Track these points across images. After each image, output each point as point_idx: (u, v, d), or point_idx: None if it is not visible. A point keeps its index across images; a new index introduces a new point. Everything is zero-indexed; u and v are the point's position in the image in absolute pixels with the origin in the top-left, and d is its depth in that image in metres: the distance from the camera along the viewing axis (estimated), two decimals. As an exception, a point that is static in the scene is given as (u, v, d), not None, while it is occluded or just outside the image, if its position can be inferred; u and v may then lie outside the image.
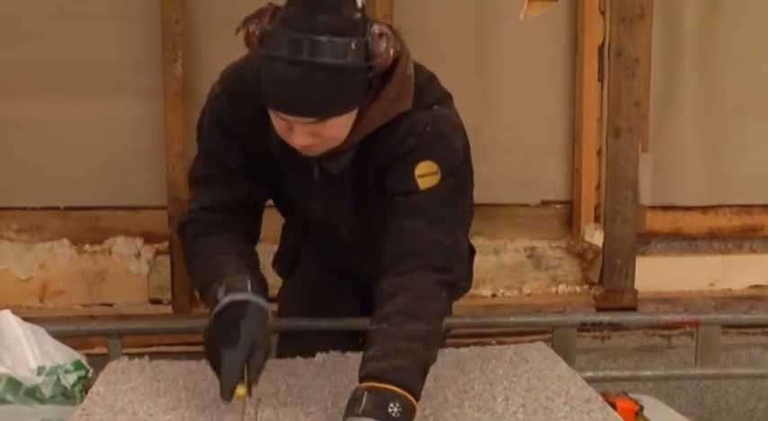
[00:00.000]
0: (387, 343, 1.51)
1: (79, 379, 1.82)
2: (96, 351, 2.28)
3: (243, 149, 1.75)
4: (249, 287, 1.60)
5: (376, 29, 1.55)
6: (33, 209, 2.67)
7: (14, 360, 1.77)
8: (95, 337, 2.33)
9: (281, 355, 1.95)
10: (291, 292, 2.17)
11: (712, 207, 2.96)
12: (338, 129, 1.60)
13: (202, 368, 1.77)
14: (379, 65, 1.56)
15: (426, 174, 1.65)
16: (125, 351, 2.06)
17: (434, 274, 1.61)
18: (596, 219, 2.85)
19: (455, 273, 1.68)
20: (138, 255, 2.70)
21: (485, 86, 2.76)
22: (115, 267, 2.70)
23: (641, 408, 1.94)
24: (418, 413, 1.48)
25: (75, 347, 1.91)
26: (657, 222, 2.92)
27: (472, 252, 2.04)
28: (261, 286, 1.65)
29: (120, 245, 2.69)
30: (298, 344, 1.99)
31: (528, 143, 2.82)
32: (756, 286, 2.99)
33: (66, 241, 2.67)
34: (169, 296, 2.70)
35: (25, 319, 1.88)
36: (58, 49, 2.59)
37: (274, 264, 2.16)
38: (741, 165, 2.92)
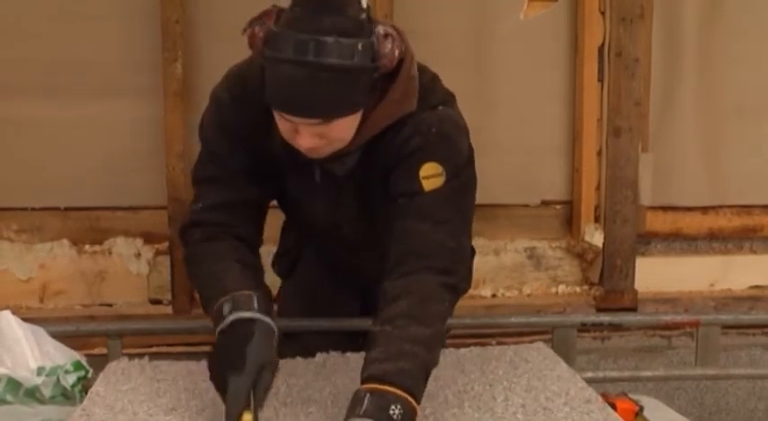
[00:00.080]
0: (390, 345, 1.51)
1: (79, 379, 1.82)
2: (96, 351, 2.28)
3: (247, 151, 1.74)
4: (256, 305, 1.58)
5: (381, 29, 1.55)
6: (33, 209, 2.67)
7: (14, 360, 1.77)
8: (95, 338, 2.33)
9: (281, 355, 1.93)
10: (291, 293, 2.17)
11: (712, 207, 2.96)
12: (344, 130, 1.60)
13: (202, 368, 1.76)
14: (384, 66, 1.56)
15: (431, 175, 1.65)
16: (125, 351, 2.06)
17: (438, 277, 1.61)
18: (596, 220, 2.85)
19: (458, 275, 1.68)
20: (138, 255, 2.70)
21: (485, 86, 2.76)
22: (115, 267, 2.70)
23: (641, 409, 1.94)
24: (418, 413, 1.48)
25: (75, 348, 1.91)
26: (657, 223, 2.92)
27: (472, 252, 2.04)
28: (266, 302, 1.63)
29: (120, 245, 2.69)
30: (298, 345, 1.99)
31: (528, 143, 2.82)
32: (756, 286, 2.99)
33: (66, 241, 2.67)
34: (169, 296, 2.70)
35: (25, 320, 1.88)
36: (57, 49, 2.59)
37: (274, 264, 2.16)
38: (741, 166, 2.92)
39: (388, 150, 1.68)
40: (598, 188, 2.84)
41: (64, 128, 2.62)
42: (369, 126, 1.64)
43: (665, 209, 2.93)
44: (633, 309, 2.84)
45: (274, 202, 1.93)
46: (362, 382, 1.47)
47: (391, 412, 1.42)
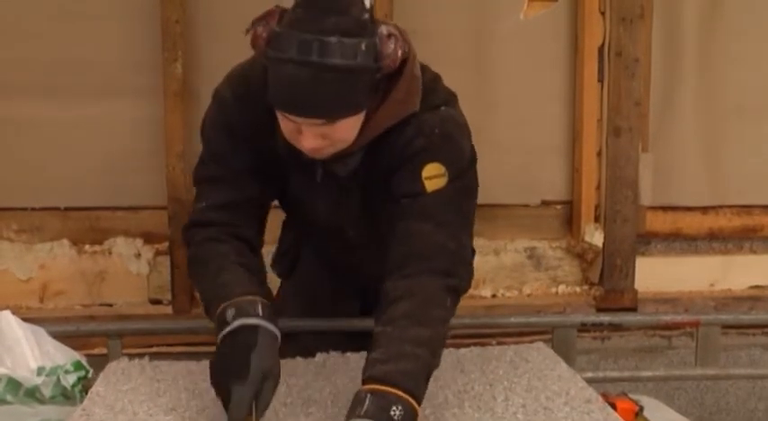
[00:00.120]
0: (391, 346, 1.51)
1: (79, 379, 1.82)
2: (96, 351, 2.28)
3: (249, 151, 1.74)
4: (260, 311, 1.58)
5: (384, 29, 1.55)
6: (33, 209, 2.67)
7: (14, 360, 1.77)
8: (95, 338, 2.33)
9: (281, 355, 1.95)
10: (291, 293, 2.16)
11: (712, 207, 2.95)
12: (347, 130, 1.59)
13: (202, 368, 1.76)
14: (387, 66, 1.55)
15: (434, 176, 1.65)
16: (125, 351, 2.06)
17: (440, 279, 1.61)
18: (596, 220, 2.85)
19: (460, 277, 1.68)
20: (138, 255, 2.70)
21: (485, 86, 2.76)
22: (115, 267, 2.70)
23: (641, 409, 1.94)
24: (419, 414, 1.48)
25: (75, 348, 1.91)
26: (657, 222, 2.92)
27: (472, 253, 2.04)
28: (270, 307, 1.62)
29: (120, 245, 2.69)
30: (297, 345, 1.98)
31: (528, 143, 2.82)
32: (756, 286, 2.98)
33: (66, 241, 2.67)
34: (169, 296, 2.70)
35: (25, 320, 1.88)
36: (58, 50, 2.59)
37: (274, 264, 2.16)
38: (741, 166, 2.92)
39: (391, 151, 1.67)
40: (598, 188, 2.84)
41: (64, 128, 2.62)
42: (371, 126, 1.64)
43: (665, 209, 2.93)
44: (633, 309, 2.84)
45: (275, 202, 1.93)
46: (363, 383, 1.47)
47: (392, 413, 1.42)
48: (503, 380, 1.78)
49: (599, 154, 2.82)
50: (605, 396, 1.80)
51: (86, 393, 1.74)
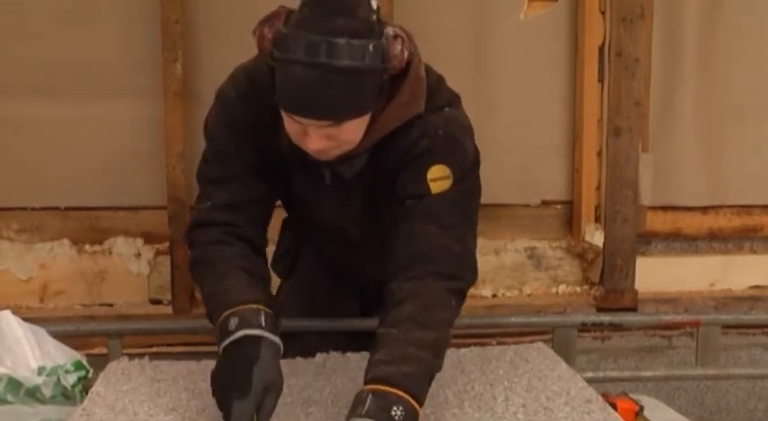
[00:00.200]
0: (395, 348, 1.51)
1: (79, 379, 1.82)
2: (96, 351, 2.28)
3: (253, 150, 1.73)
4: (263, 321, 1.57)
5: (390, 31, 1.55)
6: (33, 209, 2.67)
7: (15, 360, 1.77)
8: (95, 337, 2.33)
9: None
10: (291, 293, 2.16)
11: (712, 207, 2.95)
12: (353, 132, 1.59)
13: (202, 368, 1.77)
14: (394, 67, 1.55)
15: (438, 177, 1.65)
16: (125, 351, 2.06)
17: (445, 282, 1.62)
18: (596, 220, 2.85)
19: (465, 280, 1.68)
20: (139, 255, 2.70)
21: (485, 86, 2.76)
22: (115, 267, 2.70)
23: (641, 409, 1.94)
24: (420, 415, 1.48)
25: (75, 347, 1.91)
26: (658, 222, 2.92)
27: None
28: (273, 316, 1.61)
29: (121, 245, 2.69)
30: (298, 345, 1.98)
31: (528, 143, 2.82)
32: (756, 286, 2.98)
33: (66, 241, 2.67)
34: (169, 296, 2.69)
35: (25, 320, 1.88)
36: (58, 50, 2.59)
37: (274, 264, 2.15)
38: (741, 166, 2.92)
39: (396, 152, 1.67)
40: (598, 188, 2.84)
41: (64, 128, 2.62)
42: (377, 128, 1.63)
43: (665, 209, 2.92)
44: (633, 309, 2.84)
45: (278, 202, 1.93)
46: (365, 383, 1.48)
47: (393, 413, 1.42)
48: (503, 380, 1.78)
49: (599, 154, 2.82)
50: (605, 396, 1.80)
51: (87, 393, 1.74)
